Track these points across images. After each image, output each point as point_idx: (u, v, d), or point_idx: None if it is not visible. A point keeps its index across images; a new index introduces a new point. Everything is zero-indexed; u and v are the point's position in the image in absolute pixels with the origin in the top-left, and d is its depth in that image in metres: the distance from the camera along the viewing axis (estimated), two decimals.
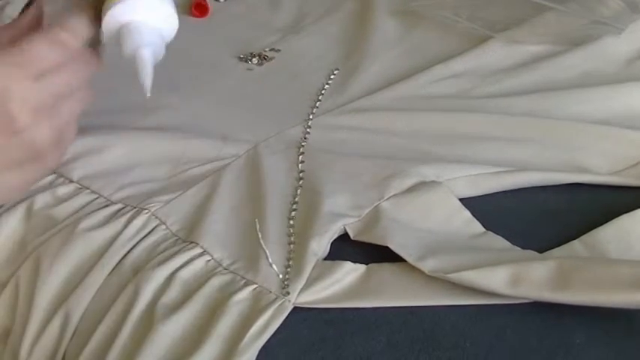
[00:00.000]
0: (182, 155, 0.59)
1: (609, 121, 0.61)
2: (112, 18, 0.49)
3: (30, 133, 0.46)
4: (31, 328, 0.50)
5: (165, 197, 0.55)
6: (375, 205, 0.53)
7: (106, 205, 0.54)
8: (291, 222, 0.52)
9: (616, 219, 0.51)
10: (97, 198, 0.55)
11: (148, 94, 0.48)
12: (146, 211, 0.54)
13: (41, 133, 0.47)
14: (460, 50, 0.69)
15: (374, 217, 0.52)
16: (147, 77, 0.48)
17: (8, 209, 0.55)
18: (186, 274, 0.49)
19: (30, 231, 0.54)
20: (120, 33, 0.50)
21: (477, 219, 0.53)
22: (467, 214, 0.53)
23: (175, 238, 0.52)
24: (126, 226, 0.52)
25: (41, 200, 0.55)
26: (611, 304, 0.44)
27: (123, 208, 0.54)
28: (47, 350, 0.50)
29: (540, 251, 0.50)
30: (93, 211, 0.54)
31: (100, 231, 0.52)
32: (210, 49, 0.73)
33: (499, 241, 0.51)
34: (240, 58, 0.71)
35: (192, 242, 0.51)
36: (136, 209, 0.54)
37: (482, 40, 0.69)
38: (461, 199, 0.54)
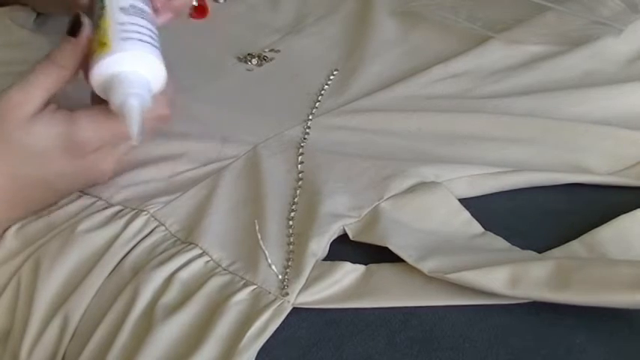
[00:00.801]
0: (182, 157, 0.59)
1: (609, 121, 0.61)
2: (100, 70, 0.50)
3: (94, 159, 0.54)
4: (30, 329, 0.50)
5: (165, 198, 0.55)
6: (374, 205, 0.53)
7: (105, 208, 0.54)
8: (291, 223, 0.52)
9: (616, 219, 0.51)
10: (96, 201, 0.55)
11: (135, 143, 0.49)
12: (145, 212, 0.54)
13: (104, 161, 0.55)
14: (460, 50, 0.69)
15: (373, 218, 0.52)
16: (135, 126, 0.49)
17: None
18: (185, 274, 0.49)
19: (30, 234, 0.54)
20: (108, 84, 0.50)
21: (477, 219, 0.52)
22: (466, 214, 0.53)
23: (174, 239, 0.52)
24: (125, 227, 0.52)
25: None
26: (611, 304, 0.44)
27: (122, 210, 0.54)
28: (47, 351, 0.50)
29: (540, 251, 0.50)
30: (92, 213, 0.54)
31: (99, 232, 0.52)
32: (209, 50, 0.73)
33: (498, 242, 0.51)
34: (240, 59, 0.71)
35: (191, 243, 0.51)
36: (135, 211, 0.54)
37: (482, 40, 0.69)
38: (460, 200, 0.54)
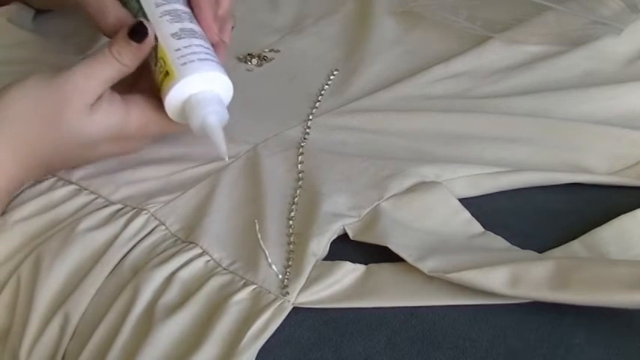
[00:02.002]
0: (182, 156, 0.59)
1: (609, 121, 0.61)
2: (174, 98, 0.52)
3: (134, 145, 0.57)
4: (30, 328, 0.50)
5: (165, 198, 0.55)
6: (374, 205, 0.53)
7: (106, 206, 0.54)
8: (291, 222, 0.52)
9: (615, 219, 0.51)
10: (96, 198, 0.55)
11: (226, 158, 0.52)
12: (145, 211, 0.54)
13: (140, 145, 0.58)
14: (460, 50, 0.69)
15: (373, 218, 0.52)
16: (221, 143, 0.51)
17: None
18: (185, 274, 0.49)
19: (31, 230, 0.54)
20: (184, 109, 0.52)
21: (477, 219, 0.52)
22: (466, 214, 0.53)
23: (175, 238, 0.52)
24: (125, 226, 0.52)
25: (41, 202, 0.55)
26: (610, 304, 0.44)
27: (122, 208, 0.54)
28: (47, 351, 0.50)
29: (540, 251, 0.50)
30: (92, 212, 0.54)
31: (100, 231, 0.52)
32: None
33: (498, 241, 0.51)
34: (240, 59, 0.71)
35: (191, 243, 0.51)
36: (136, 210, 0.54)
37: (482, 40, 0.69)
38: (460, 199, 0.54)
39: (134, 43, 0.53)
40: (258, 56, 0.71)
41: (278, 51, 0.72)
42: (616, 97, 0.62)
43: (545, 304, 0.45)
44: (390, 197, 0.53)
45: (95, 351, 0.48)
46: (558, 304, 0.45)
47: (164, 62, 0.53)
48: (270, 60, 0.71)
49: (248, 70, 0.70)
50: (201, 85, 0.52)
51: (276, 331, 0.46)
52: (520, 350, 0.44)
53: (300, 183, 0.56)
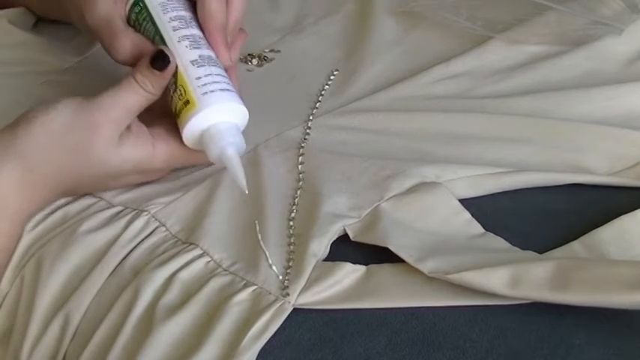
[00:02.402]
0: None
1: (609, 121, 0.61)
2: (191, 129, 0.52)
3: (158, 176, 0.57)
4: (31, 329, 0.50)
5: (166, 199, 0.55)
6: (374, 205, 0.53)
7: (107, 208, 0.55)
8: (291, 223, 0.52)
9: (616, 219, 0.51)
10: (97, 201, 0.55)
11: (246, 191, 0.50)
12: (146, 212, 0.54)
13: (162, 175, 0.57)
14: (460, 50, 0.69)
15: (374, 218, 0.52)
16: (239, 174, 0.50)
17: None
18: (186, 275, 0.49)
19: (34, 235, 0.54)
20: (202, 138, 0.52)
21: (477, 219, 0.52)
22: (466, 214, 0.53)
23: (175, 239, 0.52)
24: (126, 227, 0.52)
25: None
26: (610, 305, 0.44)
27: (123, 210, 0.54)
28: (48, 351, 0.50)
29: (540, 252, 0.50)
30: (93, 214, 0.54)
31: (100, 233, 0.52)
32: None
33: (499, 242, 0.51)
34: (240, 59, 0.71)
35: (192, 244, 0.51)
36: (136, 211, 0.54)
37: (482, 40, 0.69)
38: (461, 200, 0.54)
39: (157, 72, 0.52)
40: (259, 56, 0.71)
41: (278, 51, 0.72)
42: (616, 97, 0.62)
43: (545, 305, 0.45)
44: (391, 198, 0.53)
45: (96, 352, 0.48)
46: (558, 304, 0.45)
47: (184, 90, 0.53)
48: (271, 60, 0.71)
49: (248, 70, 0.70)
50: (221, 116, 0.52)
51: (277, 332, 0.46)
52: (520, 351, 0.44)
53: (300, 183, 0.56)
